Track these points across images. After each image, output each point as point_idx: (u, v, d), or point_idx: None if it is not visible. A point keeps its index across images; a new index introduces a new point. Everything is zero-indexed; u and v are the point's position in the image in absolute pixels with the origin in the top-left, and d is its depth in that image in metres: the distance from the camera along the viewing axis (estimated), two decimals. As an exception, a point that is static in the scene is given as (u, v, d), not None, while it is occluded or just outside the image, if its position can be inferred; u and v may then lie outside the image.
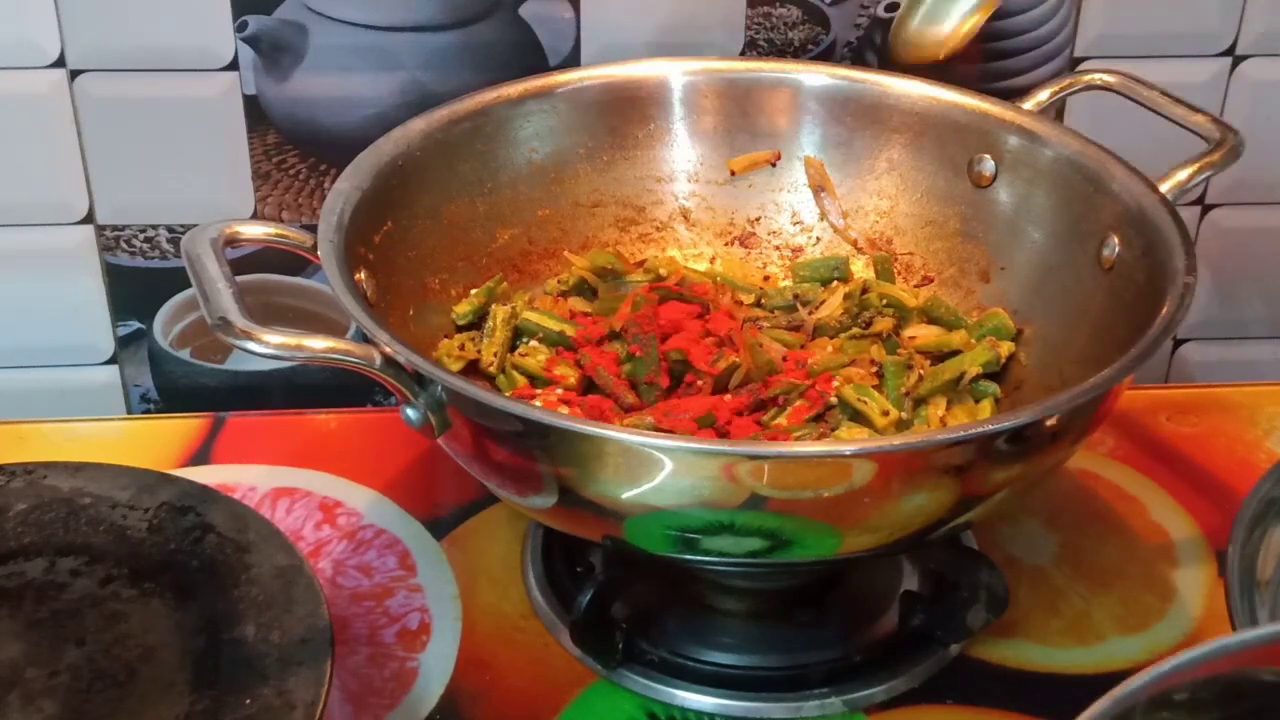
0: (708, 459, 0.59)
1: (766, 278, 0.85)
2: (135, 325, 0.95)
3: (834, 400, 0.72)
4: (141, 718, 0.63)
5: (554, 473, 0.62)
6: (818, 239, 0.85)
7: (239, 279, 0.63)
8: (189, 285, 0.64)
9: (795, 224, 0.85)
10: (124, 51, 0.87)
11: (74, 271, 0.92)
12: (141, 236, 0.92)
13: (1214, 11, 0.91)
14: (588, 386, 0.75)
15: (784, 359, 0.75)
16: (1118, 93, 0.81)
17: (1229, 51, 0.93)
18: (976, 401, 0.75)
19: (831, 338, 0.78)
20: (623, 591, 0.69)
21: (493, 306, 0.78)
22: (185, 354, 0.96)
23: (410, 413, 0.63)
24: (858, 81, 0.83)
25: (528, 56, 0.89)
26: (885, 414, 0.71)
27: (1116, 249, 0.73)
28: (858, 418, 0.72)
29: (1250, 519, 0.69)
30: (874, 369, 0.75)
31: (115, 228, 0.92)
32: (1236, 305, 1.02)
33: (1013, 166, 0.79)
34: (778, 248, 0.86)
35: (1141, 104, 0.79)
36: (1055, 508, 0.82)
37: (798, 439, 0.70)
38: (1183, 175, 0.74)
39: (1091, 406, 0.63)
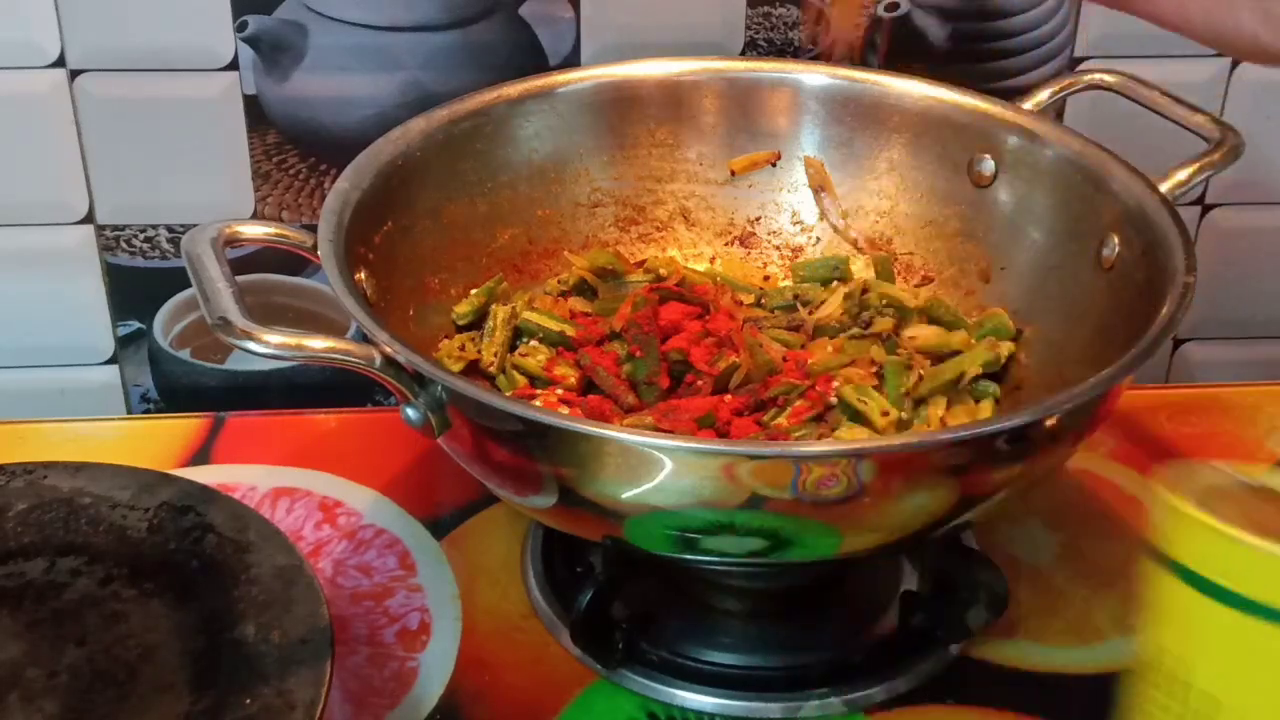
0: (708, 459, 0.59)
1: (766, 278, 0.85)
2: (135, 325, 0.95)
3: (834, 400, 0.72)
4: (141, 718, 0.63)
5: (554, 473, 0.62)
6: (818, 239, 0.85)
7: (239, 279, 0.63)
8: (189, 285, 0.64)
9: (795, 224, 0.85)
10: (124, 51, 0.86)
11: (74, 271, 0.92)
12: (141, 236, 0.92)
13: (1214, 11, 0.91)
14: (588, 387, 0.75)
15: (784, 359, 0.75)
16: (1118, 93, 0.81)
17: (1229, 51, 0.93)
18: (976, 401, 0.75)
19: (831, 338, 0.78)
20: (623, 591, 0.69)
21: (493, 306, 0.78)
22: (185, 354, 0.96)
23: (410, 413, 0.63)
24: (858, 81, 0.83)
25: (528, 56, 0.89)
26: (885, 414, 0.71)
27: (1116, 249, 0.73)
28: (858, 418, 0.72)
29: (1250, 519, 0.69)
30: (874, 369, 0.75)
31: (115, 228, 0.91)
32: (1236, 305, 1.02)
33: (1013, 166, 0.79)
34: (778, 248, 0.86)
35: (1142, 104, 0.79)
36: (1055, 508, 0.82)
37: (798, 439, 0.70)
38: (1183, 175, 0.74)
39: (1091, 406, 0.63)
